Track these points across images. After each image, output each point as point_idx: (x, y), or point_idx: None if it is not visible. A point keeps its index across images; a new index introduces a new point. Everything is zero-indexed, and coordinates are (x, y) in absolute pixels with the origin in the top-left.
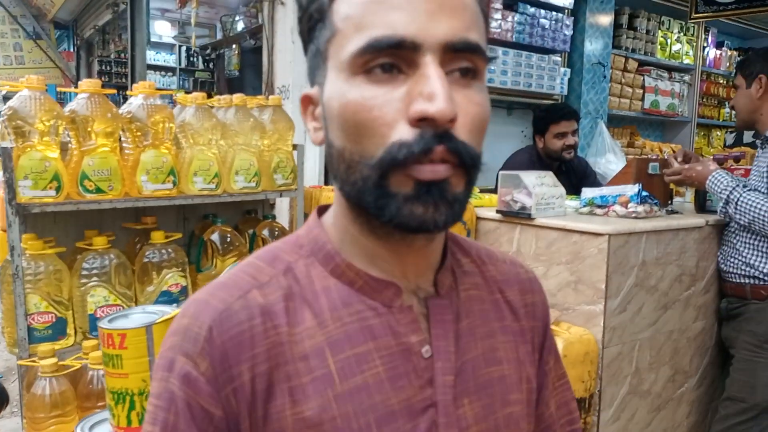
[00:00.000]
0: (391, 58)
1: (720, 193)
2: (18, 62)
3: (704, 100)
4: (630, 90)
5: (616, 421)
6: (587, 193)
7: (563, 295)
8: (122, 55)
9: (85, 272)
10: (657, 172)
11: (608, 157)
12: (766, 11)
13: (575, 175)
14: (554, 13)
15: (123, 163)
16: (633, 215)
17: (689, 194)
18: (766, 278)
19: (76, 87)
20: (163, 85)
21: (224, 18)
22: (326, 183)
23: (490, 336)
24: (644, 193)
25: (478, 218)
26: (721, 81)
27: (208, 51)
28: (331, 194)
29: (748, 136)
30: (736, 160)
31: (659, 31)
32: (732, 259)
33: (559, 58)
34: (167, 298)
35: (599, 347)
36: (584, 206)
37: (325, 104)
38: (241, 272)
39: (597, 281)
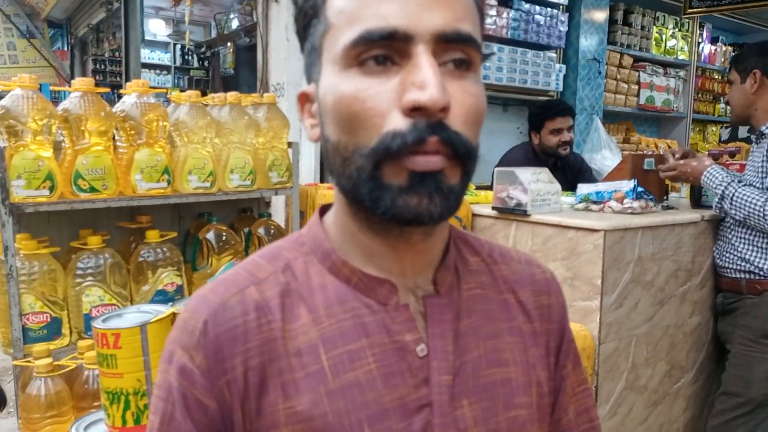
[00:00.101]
0: (383, 49)
1: (715, 188)
2: (12, 61)
3: (699, 95)
4: (625, 86)
5: (613, 417)
6: (583, 189)
7: None
8: (116, 53)
9: (79, 272)
10: (652, 168)
11: (604, 153)
12: (759, 6)
13: (571, 172)
14: (549, 9)
15: (117, 162)
16: (629, 211)
17: (685, 190)
18: (761, 273)
19: (70, 86)
20: (158, 83)
21: (218, 16)
22: (322, 181)
23: (495, 337)
24: (640, 189)
25: (474, 215)
26: (716, 76)
27: (202, 49)
28: (326, 192)
29: (743, 131)
30: (732, 155)
31: (654, 26)
32: (727, 254)
33: (555, 55)
34: (163, 297)
35: (595, 343)
36: (580, 202)
37: (320, 99)
38: (241, 269)
39: (593, 277)
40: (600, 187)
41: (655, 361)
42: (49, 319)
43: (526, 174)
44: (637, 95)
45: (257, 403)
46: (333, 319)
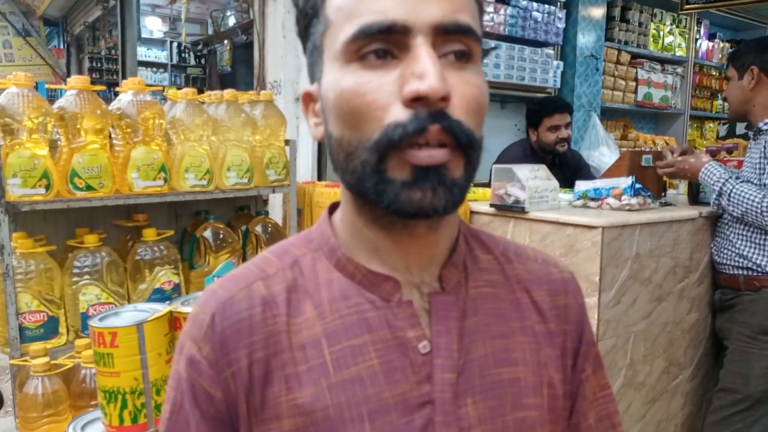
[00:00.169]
0: (382, 43)
1: (713, 185)
2: (7, 60)
3: (697, 92)
4: (623, 82)
5: None
6: (581, 186)
7: None
8: (113, 51)
9: (76, 270)
10: (650, 165)
11: (602, 150)
12: (756, 2)
13: (569, 168)
14: (546, 5)
15: (113, 160)
16: (626, 208)
17: (683, 186)
18: (759, 269)
19: (66, 84)
20: (155, 81)
21: (214, 13)
22: (320, 178)
23: (505, 336)
24: (637, 186)
25: (472, 212)
26: (714, 73)
27: (199, 47)
28: (324, 189)
29: (740, 127)
30: (729, 151)
31: (652, 23)
32: (725, 251)
33: (552, 51)
34: (160, 295)
35: (594, 340)
36: (578, 199)
37: (322, 96)
38: (252, 264)
39: (591, 274)
40: (598, 183)
41: (653, 357)
42: (45, 318)
43: (524, 171)
44: (635, 92)
45: (261, 394)
46: (337, 314)
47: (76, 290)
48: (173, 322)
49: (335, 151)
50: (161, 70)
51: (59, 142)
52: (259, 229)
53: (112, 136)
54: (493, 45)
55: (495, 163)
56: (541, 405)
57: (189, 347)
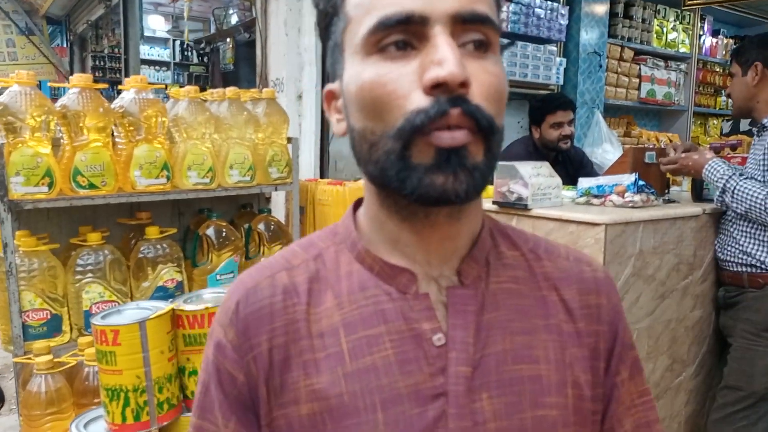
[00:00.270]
0: (402, 34)
1: (716, 181)
2: (11, 58)
3: (700, 88)
4: (626, 79)
5: None
6: (584, 183)
7: None
8: (116, 50)
9: (79, 268)
10: (654, 162)
11: (605, 147)
12: None
13: (572, 165)
14: (549, 2)
15: (116, 159)
16: (630, 205)
17: (686, 183)
18: (763, 266)
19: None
20: (158, 79)
21: (217, 11)
22: (322, 176)
23: (527, 333)
24: (641, 183)
25: None
26: (718, 69)
27: (202, 45)
28: (326, 187)
29: (744, 124)
30: (733, 148)
31: (655, 19)
32: (729, 248)
33: (555, 48)
34: (163, 293)
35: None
36: (581, 196)
37: (344, 91)
38: (279, 255)
39: None
40: (601, 180)
41: (657, 355)
42: (49, 316)
43: (527, 168)
44: (638, 88)
45: (281, 378)
46: (354, 305)
47: (79, 288)
48: (175, 319)
49: (358, 144)
50: (164, 68)
51: (62, 141)
52: (261, 226)
53: (115, 134)
54: (506, 41)
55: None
56: (565, 405)
57: (217, 332)
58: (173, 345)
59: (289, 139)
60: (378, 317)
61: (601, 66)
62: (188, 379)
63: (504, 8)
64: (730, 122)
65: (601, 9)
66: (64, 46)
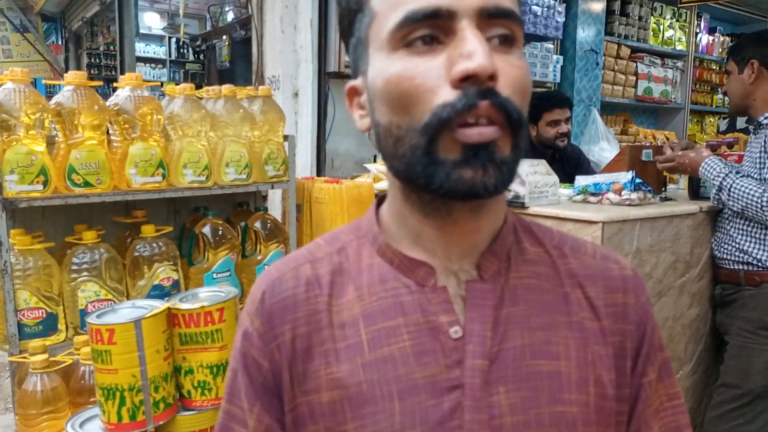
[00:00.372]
0: (429, 29)
1: (713, 179)
2: (6, 56)
3: (697, 86)
4: (623, 77)
5: None
6: (581, 181)
7: None
8: (111, 47)
9: (75, 267)
10: (650, 159)
11: (602, 145)
12: None
13: (569, 163)
14: None
15: (111, 156)
16: (627, 203)
17: (683, 181)
18: (759, 264)
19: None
20: (154, 77)
21: (212, 8)
22: (319, 174)
23: (547, 329)
24: (638, 181)
25: None
26: (714, 67)
27: (198, 42)
28: (323, 185)
29: (741, 121)
30: (730, 146)
31: (651, 17)
32: (726, 246)
33: (552, 46)
34: (159, 292)
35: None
36: (578, 194)
37: (369, 86)
38: (304, 249)
39: None
40: (598, 178)
41: None
42: (44, 315)
43: (524, 166)
44: (635, 86)
45: (303, 367)
46: (374, 297)
47: (74, 287)
48: (171, 318)
49: (383, 139)
50: (160, 65)
51: (56, 138)
52: (258, 225)
53: (110, 132)
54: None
55: None
56: (586, 403)
57: (244, 321)
58: (169, 344)
59: (286, 137)
60: (396, 309)
61: (597, 64)
62: (184, 378)
63: None
64: (727, 120)
65: (598, 6)
66: (60, 43)
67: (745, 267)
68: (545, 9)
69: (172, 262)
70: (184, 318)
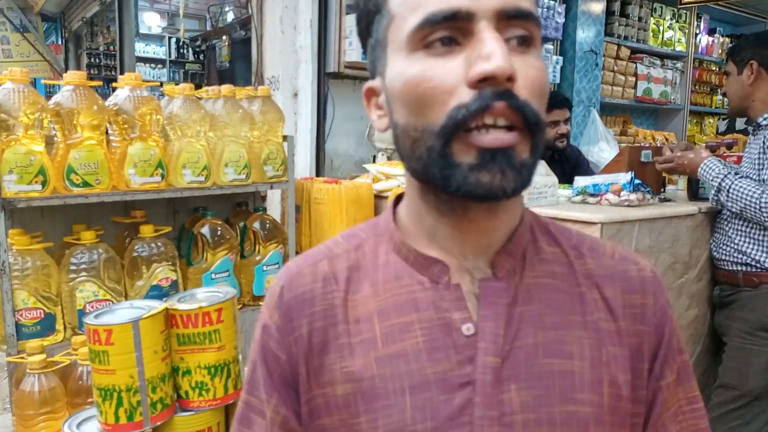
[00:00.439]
0: (447, 30)
1: (712, 180)
2: (5, 56)
3: (697, 87)
4: (622, 78)
5: None
6: (580, 181)
7: None
8: (111, 47)
9: (73, 267)
10: (649, 160)
11: (601, 146)
12: None
13: (568, 164)
14: (546, 0)
15: (110, 156)
16: (626, 203)
17: (682, 182)
18: (758, 265)
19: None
20: (154, 77)
21: (212, 8)
22: (318, 174)
23: (560, 328)
24: (637, 181)
25: None
26: (714, 68)
27: (198, 42)
28: (322, 186)
29: (740, 122)
30: (729, 147)
31: (651, 18)
32: (724, 247)
33: (551, 46)
34: (157, 292)
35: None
36: (577, 195)
37: (387, 87)
38: (323, 245)
39: None
40: (597, 179)
41: None
42: (42, 315)
43: None
44: (635, 87)
45: (319, 360)
46: (389, 293)
47: (73, 287)
48: (169, 319)
49: (401, 140)
50: (160, 65)
51: (55, 138)
52: (257, 225)
53: (109, 132)
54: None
55: None
56: (599, 403)
57: (264, 314)
58: (167, 344)
59: (285, 137)
60: (410, 306)
61: (597, 64)
62: (182, 378)
63: None
64: (726, 121)
65: (598, 7)
66: (59, 43)
67: (744, 268)
68: (545, 10)
69: (170, 263)
70: (182, 318)
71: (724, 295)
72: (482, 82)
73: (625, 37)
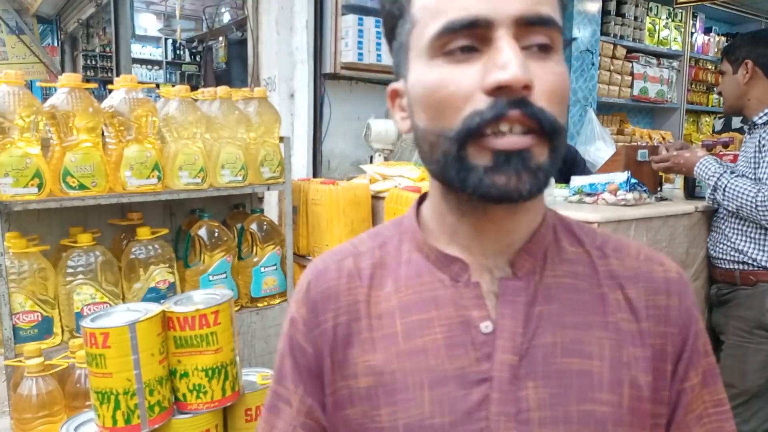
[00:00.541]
0: (467, 38)
1: (708, 179)
2: (1, 58)
3: (693, 86)
4: (619, 77)
5: None
6: (576, 181)
7: None
8: (107, 48)
9: (70, 270)
10: (646, 160)
11: (598, 145)
12: None
13: (564, 164)
14: None
15: (106, 159)
16: (622, 203)
17: (679, 181)
18: (754, 264)
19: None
20: (150, 78)
21: (208, 10)
22: (314, 175)
23: (580, 328)
24: (633, 181)
25: None
26: (710, 67)
27: (194, 44)
28: (319, 187)
29: (736, 121)
30: (725, 145)
31: (647, 17)
32: (721, 245)
33: None
34: (155, 294)
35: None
36: (573, 195)
37: (409, 91)
38: (349, 243)
39: None
40: (593, 179)
41: None
42: (40, 318)
43: None
44: (631, 86)
45: (343, 353)
46: (411, 290)
47: (70, 290)
48: (166, 322)
49: (421, 142)
50: (156, 67)
51: (51, 141)
52: (254, 227)
53: (105, 134)
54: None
55: None
56: (618, 403)
57: (292, 308)
58: (164, 347)
59: (282, 139)
60: (431, 303)
61: (593, 64)
62: (179, 381)
63: None
64: (722, 120)
65: (594, 7)
66: (55, 45)
67: (741, 266)
68: None
69: (168, 265)
70: (179, 321)
71: (721, 293)
72: (498, 90)
73: (621, 37)
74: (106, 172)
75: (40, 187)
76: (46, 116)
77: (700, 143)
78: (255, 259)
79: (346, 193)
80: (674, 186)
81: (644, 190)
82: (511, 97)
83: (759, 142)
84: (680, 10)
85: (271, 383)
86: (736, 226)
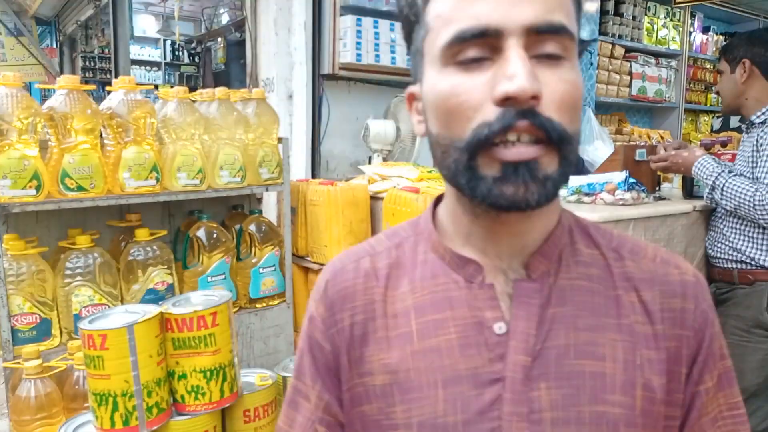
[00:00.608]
0: (478, 48)
1: (706, 178)
2: (0, 60)
3: (691, 85)
4: (617, 76)
5: None
6: (574, 181)
7: None
8: (106, 50)
9: (68, 272)
10: (644, 159)
11: (596, 145)
12: None
13: None
14: None
15: (105, 160)
16: (620, 202)
17: (677, 180)
18: (752, 263)
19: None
20: (149, 80)
21: (207, 11)
22: (313, 176)
23: (594, 330)
24: (631, 180)
25: None
26: (708, 66)
27: (193, 45)
28: (318, 187)
29: (734, 120)
30: (723, 144)
31: (645, 16)
32: (719, 245)
33: None
34: (153, 296)
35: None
36: (571, 194)
37: (423, 96)
38: (366, 243)
39: None
40: (592, 178)
41: None
42: (38, 320)
43: None
44: (629, 86)
45: (360, 351)
46: (426, 291)
47: (68, 292)
48: (164, 323)
49: (434, 148)
50: (155, 68)
51: (49, 143)
52: (252, 227)
53: (103, 135)
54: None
55: None
56: (631, 405)
57: (310, 306)
58: (162, 349)
59: (280, 140)
60: (445, 303)
61: (592, 63)
62: (177, 382)
63: None
64: (721, 119)
65: (592, 6)
66: (54, 46)
67: (739, 265)
68: None
69: (166, 266)
70: (177, 322)
71: (720, 292)
72: (506, 101)
73: (620, 36)
74: (104, 173)
75: (38, 188)
76: (44, 118)
77: (699, 142)
78: (253, 260)
79: (345, 193)
80: (672, 185)
81: (642, 190)
82: (518, 108)
83: (757, 141)
84: (678, 10)
85: (291, 379)
86: (734, 226)
